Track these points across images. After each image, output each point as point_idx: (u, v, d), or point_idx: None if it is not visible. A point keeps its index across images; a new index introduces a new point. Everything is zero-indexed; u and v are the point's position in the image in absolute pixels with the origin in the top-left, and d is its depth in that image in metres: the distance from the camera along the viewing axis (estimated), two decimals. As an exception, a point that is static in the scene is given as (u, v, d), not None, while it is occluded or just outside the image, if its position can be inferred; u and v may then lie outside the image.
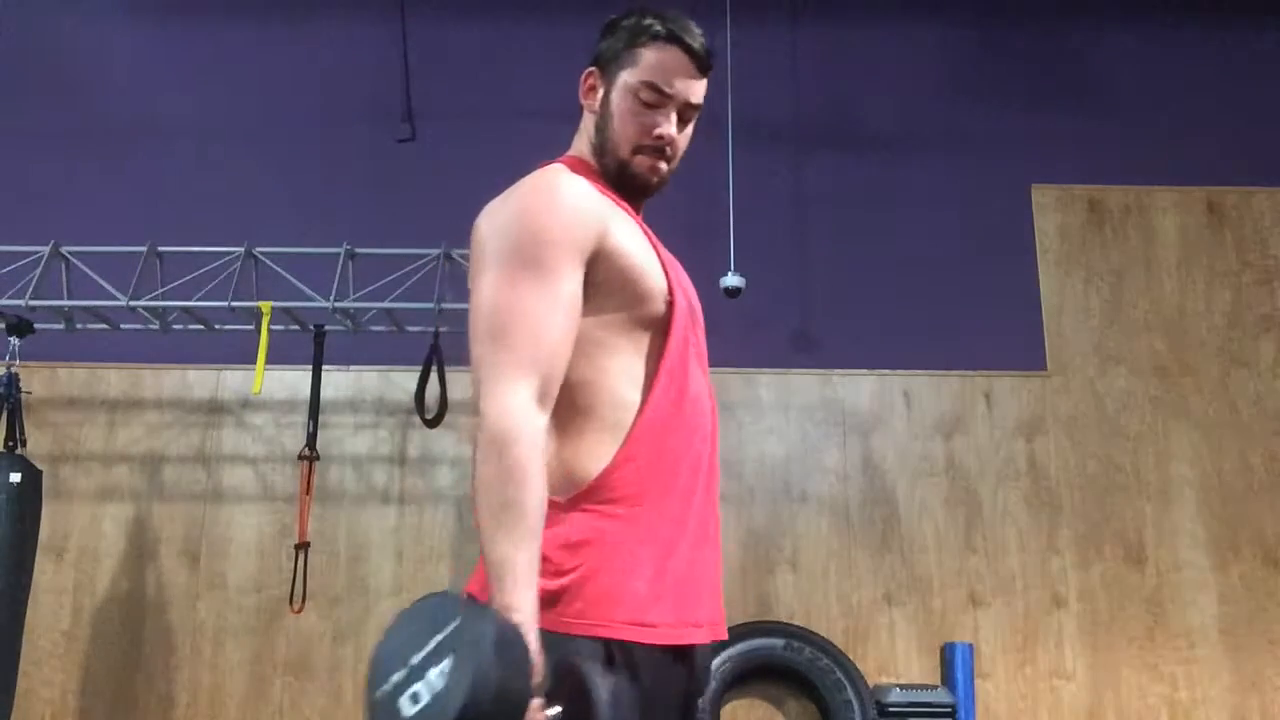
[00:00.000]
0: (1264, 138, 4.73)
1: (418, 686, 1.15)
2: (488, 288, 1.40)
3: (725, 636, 1.55)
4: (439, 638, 1.16)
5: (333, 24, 4.85)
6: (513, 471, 1.30)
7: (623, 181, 1.57)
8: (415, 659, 1.17)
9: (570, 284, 1.41)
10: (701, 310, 1.66)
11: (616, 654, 1.35)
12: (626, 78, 1.55)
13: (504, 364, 1.35)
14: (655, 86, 1.53)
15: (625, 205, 1.56)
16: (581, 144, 1.62)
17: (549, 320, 1.38)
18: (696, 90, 1.58)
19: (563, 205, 1.43)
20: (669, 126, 1.55)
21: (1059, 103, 4.76)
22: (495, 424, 1.32)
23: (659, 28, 1.54)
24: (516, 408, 1.33)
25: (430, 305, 3.96)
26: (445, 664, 1.14)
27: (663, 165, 1.57)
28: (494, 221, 1.46)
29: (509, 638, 1.18)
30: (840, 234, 4.63)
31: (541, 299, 1.38)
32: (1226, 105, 4.77)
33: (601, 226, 1.44)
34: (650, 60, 1.54)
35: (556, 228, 1.41)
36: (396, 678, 1.17)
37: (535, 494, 1.31)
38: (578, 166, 1.56)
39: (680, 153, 1.60)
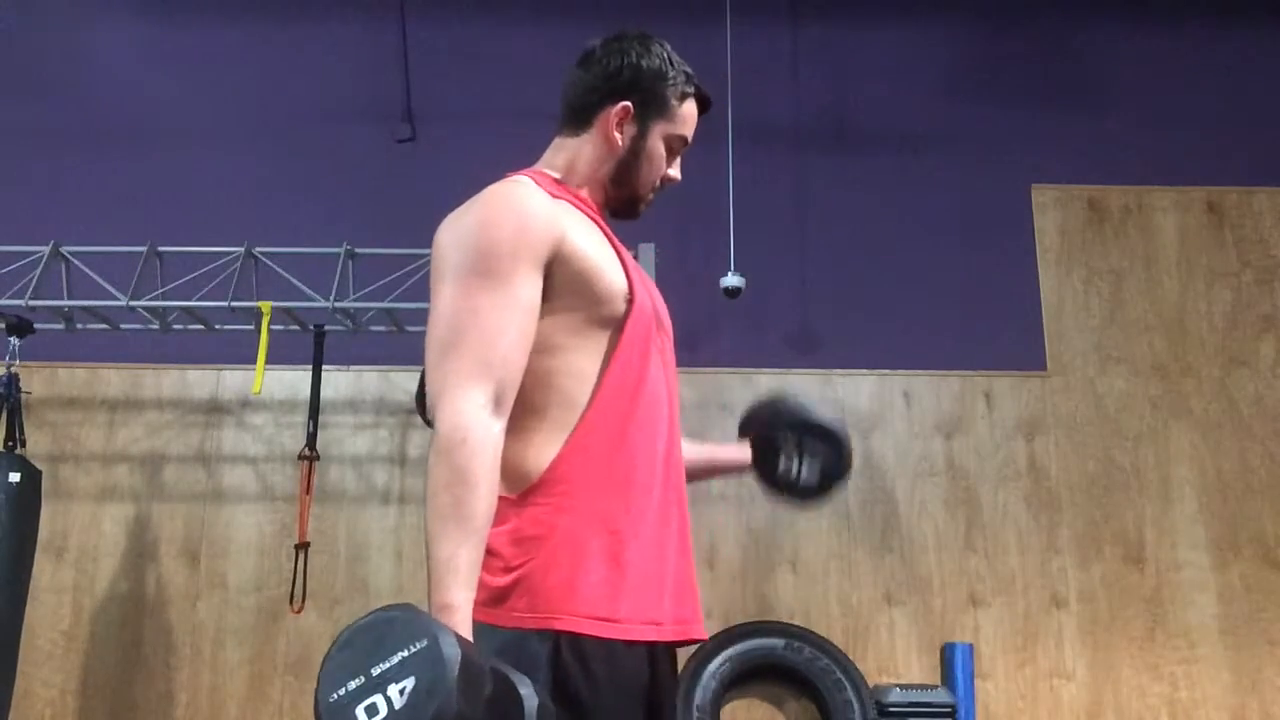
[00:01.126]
0: (1264, 138, 4.73)
1: (375, 698, 1.15)
2: (445, 298, 1.44)
3: (700, 636, 1.55)
4: (403, 654, 1.16)
5: (333, 24, 4.85)
6: (461, 473, 1.32)
7: (624, 211, 1.67)
8: (375, 670, 1.17)
9: (527, 291, 1.44)
10: (669, 321, 1.68)
11: (565, 648, 1.36)
12: (665, 129, 1.64)
13: (458, 371, 1.38)
14: (685, 140, 1.68)
15: (591, 212, 1.59)
16: (568, 163, 1.63)
17: (504, 327, 1.41)
18: None
19: (518, 215, 1.46)
20: (678, 172, 1.69)
21: (1059, 103, 4.76)
22: (447, 428, 1.35)
23: (689, 86, 1.65)
24: (468, 412, 1.35)
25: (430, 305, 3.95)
26: (408, 684, 1.15)
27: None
28: (452, 233, 1.49)
29: (473, 669, 1.18)
30: (840, 233, 4.63)
31: (496, 307, 1.41)
32: (1226, 105, 4.77)
33: (558, 231, 1.47)
34: (685, 116, 1.66)
35: (512, 237, 1.44)
36: (353, 685, 1.17)
37: (483, 497, 1.33)
38: (542, 180, 1.57)
39: None
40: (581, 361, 1.48)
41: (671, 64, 1.64)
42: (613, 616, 1.40)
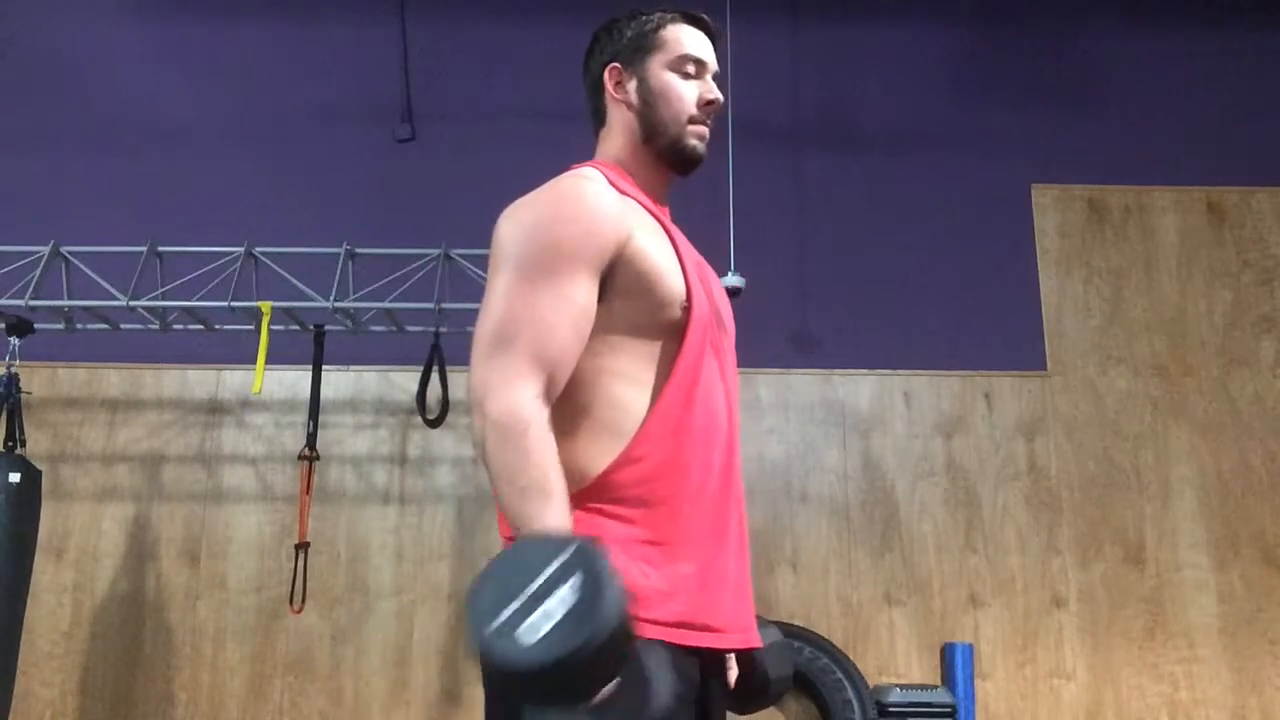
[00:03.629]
0: (1264, 138, 4.73)
1: (534, 618, 1.15)
2: (501, 290, 1.42)
3: (756, 644, 1.54)
4: (554, 565, 1.17)
5: (333, 24, 4.85)
6: (531, 455, 1.33)
7: (675, 158, 1.62)
8: (528, 590, 1.16)
9: (583, 292, 1.42)
10: (731, 319, 1.67)
11: None
12: (661, 58, 1.61)
13: (511, 366, 1.37)
14: (692, 58, 1.62)
15: (653, 206, 1.58)
16: (614, 145, 1.64)
17: (558, 324, 1.40)
18: (715, 59, 1.67)
19: (583, 213, 1.45)
20: (715, 91, 1.63)
21: (1059, 103, 4.76)
22: (508, 418, 1.35)
23: (670, 12, 1.64)
24: (525, 402, 1.36)
25: (430, 305, 3.96)
26: (570, 584, 1.15)
27: (706, 132, 1.63)
28: (515, 224, 1.48)
29: (620, 578, 1.19)
30: (840, 234, 4.63)
31: (553, 305, 1.40)
32: (1226, 105, 4.77)
33: (623, 231, 1.46)
34: (673, 38, 1.62)
35: (574, 236, 1.43)
36: (510, 610, 1.16)
37: (556, 471, 1.34)
38: (607, 169, 1.58)
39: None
40: (633, 365, 1.47)
41: (638, 14, 1.64)
42: (666, 620, 1.39)
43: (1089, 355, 4.50)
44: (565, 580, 1.15)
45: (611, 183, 1.54)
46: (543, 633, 1.13)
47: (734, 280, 4.14)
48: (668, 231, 1.55)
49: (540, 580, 1.16)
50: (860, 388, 4.46)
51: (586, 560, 1.17)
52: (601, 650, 1.14)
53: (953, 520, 4.31)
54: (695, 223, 4.75)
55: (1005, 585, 4.24)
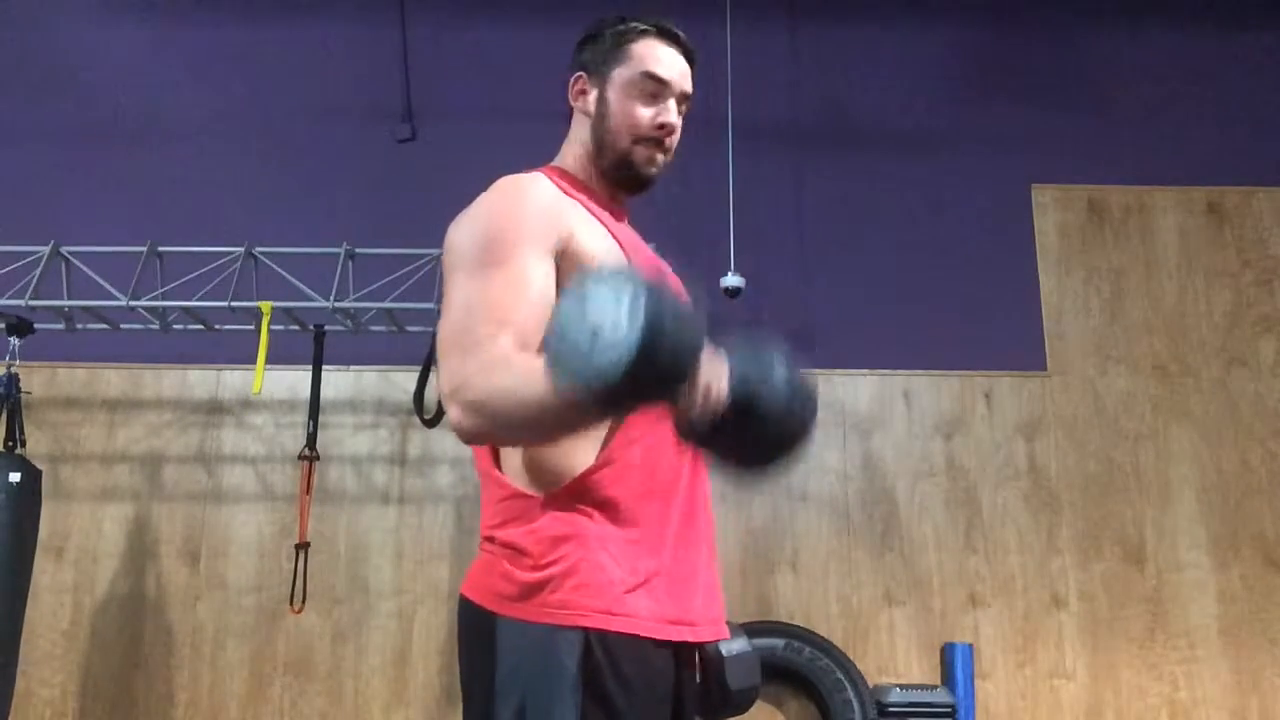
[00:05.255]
0: (1264, 138, 4.73)
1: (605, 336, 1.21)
2: (459, 289, 1.42)
3: (725, 636, 1.56)
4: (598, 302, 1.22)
5: (333, 24, 4.85)
6: (516, 364, 1.31)
7: (622, 176, 1.60)
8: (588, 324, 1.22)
9: (539, 269, 1.41)
10: None
11: (595, 644, 1.36)
12: (623, 73, 1.59)
13: (480, 338, 1.35)
14: (654, 76, 1.58)
15: (605, 208, 1.58)
16: (569, 152, 1.64)
17: (519, 294, 1.38)
18: (688, 80, 1.62)
19: (524, 203, 1.46)
20: (670, 115, 1.59)
21: (1059, 103, 4.76)
22: (482, 393, 1.31)
23: (645, 25, 1.60)
24: (495, 357, 1.33)
25: (430, 305, 3.96)
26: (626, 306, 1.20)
27: (660, 156, 1.60)
28: (460, 231, 1.48)
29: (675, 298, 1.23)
30: (840, 233, 4.63)
31: (509, 283, 1.39)
32: (1226, 105, 4.77)
33: (565, 227, 1.46)
34: (643, 53, 1.59)
35: (517, 225, 1.43)
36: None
37: (528, 382, 1.29)
38: (553, 173, 1.57)
39: (675, 145, 1.62)
40: None
41: (615, 21, 1.61)
42: (639, 614, 1.40)
43: (1089, 355, 4.50)
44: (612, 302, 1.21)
45: (555, 182, 1.53)
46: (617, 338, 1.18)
47: (734, 280, 4.14)
48: (612, 232, 1.54)
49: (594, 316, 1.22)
50: (860, 388, 4.46)
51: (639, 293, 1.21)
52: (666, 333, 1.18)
53: (953, 520, 4.31)
54: (695, 223, 4.76)
55: (1005, 585, 4.24)
